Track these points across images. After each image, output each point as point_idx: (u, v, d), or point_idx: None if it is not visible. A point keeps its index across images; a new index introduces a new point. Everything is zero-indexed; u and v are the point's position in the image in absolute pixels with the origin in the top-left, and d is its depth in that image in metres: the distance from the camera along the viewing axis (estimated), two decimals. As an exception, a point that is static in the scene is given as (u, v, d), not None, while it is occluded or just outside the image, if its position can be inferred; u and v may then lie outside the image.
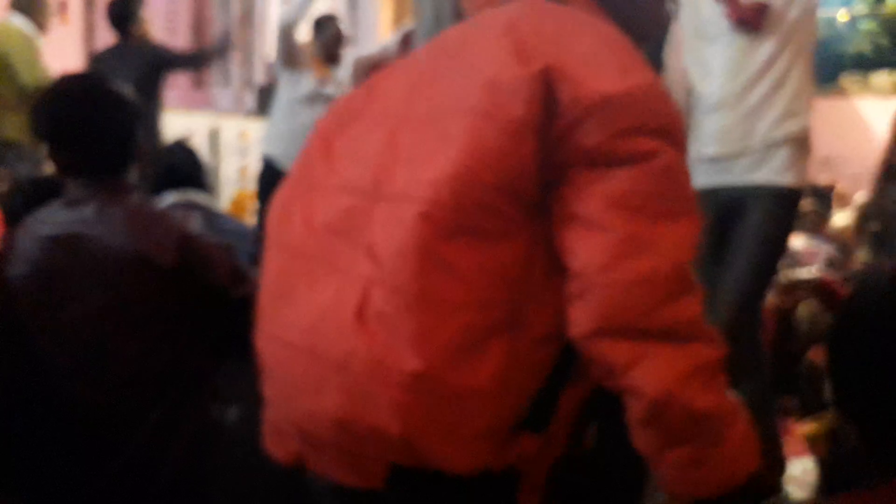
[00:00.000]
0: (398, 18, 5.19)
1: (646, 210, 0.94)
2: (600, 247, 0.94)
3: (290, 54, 3.97)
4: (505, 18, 1.05)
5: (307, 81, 4.00)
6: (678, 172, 0.98)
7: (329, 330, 0.99)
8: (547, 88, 0.95)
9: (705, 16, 2.39)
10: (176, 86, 4.88)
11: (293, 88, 4.01)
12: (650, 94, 0.97)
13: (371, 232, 1.00)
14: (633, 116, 0.95)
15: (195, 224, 1.66)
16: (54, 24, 5.05)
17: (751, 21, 2.29)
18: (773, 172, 2.34)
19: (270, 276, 1.12)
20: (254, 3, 6.90)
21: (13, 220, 1.90)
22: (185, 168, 2.44)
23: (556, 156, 0.96)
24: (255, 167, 5.88)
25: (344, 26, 4.29)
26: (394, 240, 0.97)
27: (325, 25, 4.20)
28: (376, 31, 5.83)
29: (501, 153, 0.95)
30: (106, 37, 6.59)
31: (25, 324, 1.50)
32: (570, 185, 0.97)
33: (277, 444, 1.11)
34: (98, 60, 4.27)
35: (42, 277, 1.48)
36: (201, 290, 1.48)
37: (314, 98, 3.93)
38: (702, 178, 2.21)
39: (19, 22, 4.17)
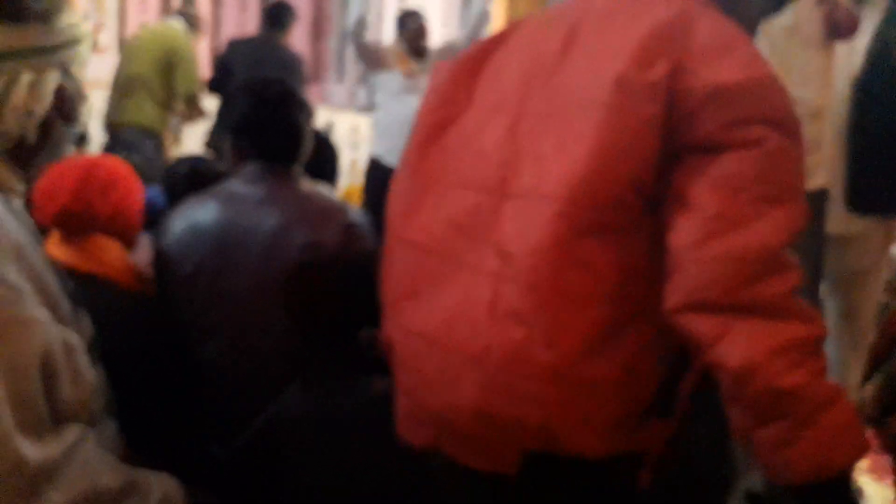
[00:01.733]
0: (510, 14, 5.19)
1: (745, 192, 0.95)
2: (695, 225, 0.95)
3: (368, 59, 4.14)
4: (623, 11, 1.06)
5: (396, 78, 4.07)
6: (785, 160, 0.97)
7: (463, 326, 1.04)
8: (671, 83, 0.96)
9: (801, 18, 2.29)
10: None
11: (385, 88, 4.11)
12: (763, 85, 0.98)
13: (499, 229, 1.03)
14: (743, 106, 0.96)
15: (355, 214, 1.75)
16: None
17: (846, 30, 2.22)
18: None
19: (397, 272, 1.17)
20: (371, 2, 7.04)
21: (174, 198, 2.05)
22: (324, 162, 2.55)
23: (673, 144, 0.98)
24: (364, 161, 6.03)
25: (425, 20, 4.26)
26: (528, 238, 1.00)
27: (407, 21, 4.21)
28: (489, 25, 5.86)
29: (632, 149, 0.97)
30: (231, 27, 6.89)
31: (180, 291, 1.64)
32: (682, 170, 0.98)
33: (412, 430, 1.15)
34: (236, 47, 4.45)
35: (208, 248, 1.63)
36: (355, 276, 1.53)
37: (405, 92, 3.99)
38: None
39: (180, 25, 4.31)
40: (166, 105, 4.15)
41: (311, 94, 6.75)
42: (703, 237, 0.94)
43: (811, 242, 2.21)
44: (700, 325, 0.95)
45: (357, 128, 5.95)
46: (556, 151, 1.00)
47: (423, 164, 1.16)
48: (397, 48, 4.16)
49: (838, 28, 2.25)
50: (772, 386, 0.92)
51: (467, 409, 1.03)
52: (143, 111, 4.05)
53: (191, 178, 2.26)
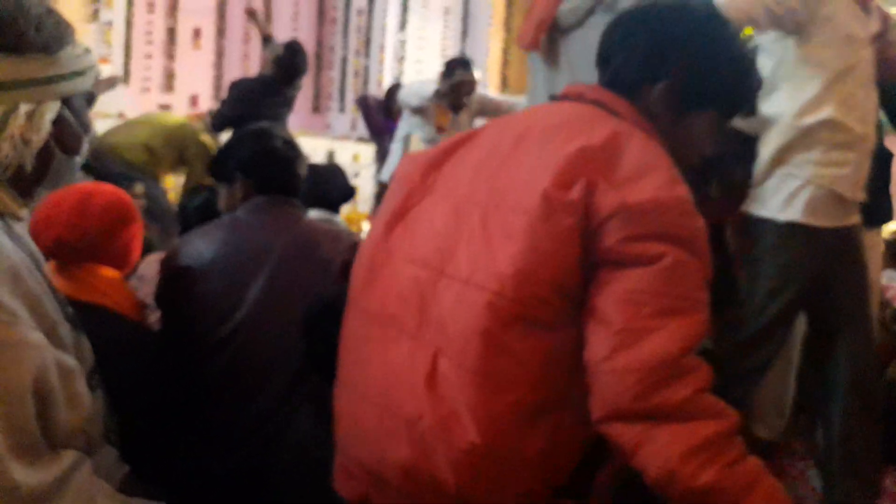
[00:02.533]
0: (507, 47, 5.28)
1: (647, 306, 1.04)
2: (604, 338, 1.05)
3: (415, 112, 4.09)
4: (566, 126, 1.17)
5: (427, 128, 4.09)
6: (684, 274, 1.06)
7: (402, 389, 1.13)
8: (587, 201, 1.07)
9: (859, 59, 2.20)
10: (297, 111, 5.12)
11: (414, 128, 4.13)
12: (666, 205, 1.07)
13: (438, 305, 1.13)
14: (644, 223, 1.05)
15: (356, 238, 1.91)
16: (187, 49, 5.38)
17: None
18: None
19: (349, 334, 1.27)
20: (372, 33, 7.15)
21: (187, 229, 2.16)
22: (335, 191, 2.70)
23: (588, 257, 1.08)
24: (366, 188, 6.11)
25: (474, 73, 4.12)
26: (461, 321, 1.09)
27: (452, 70, 4.07)
28: (486, 60, 5.95)
29: (554, 255, 1.07)
30: (235, 62, 7.00)
31: (189, 310, 1.74)
32: (594, 283, 1.08)
33: (346, 484, 1.24)
34: (244, 88, 4.46)
35: (218, 267, 1.74)
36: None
37: (430, 143, 4.02)
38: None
39: (200, 126, 4.36)
40: (167, 170, 4.22)
41: (313, 123, 6.86)
42: (611, 351, 1.04)
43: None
44: (622, 435, 1.04)
45: (358, 156, 6.03)
46: (490, 246, 1.10)
47: (385, 243, 1.25)
48: (437, 96, 4.04)
49: (889, 67, 2.29)
50: (690, 487, 1.00)
51: (398, 466, 1.12)
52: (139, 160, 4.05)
53: (203, 210, 2.35)
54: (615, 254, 1.06)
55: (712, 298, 1.09)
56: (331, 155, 6.04)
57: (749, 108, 1.31)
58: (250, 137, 2.00)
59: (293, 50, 4.29)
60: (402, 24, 6.95)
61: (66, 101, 1.15)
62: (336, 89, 7.48)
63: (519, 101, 4.30)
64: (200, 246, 1.77)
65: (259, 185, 1.89)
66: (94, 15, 5.78)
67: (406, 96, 4.21)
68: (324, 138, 6.38)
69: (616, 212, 1.05)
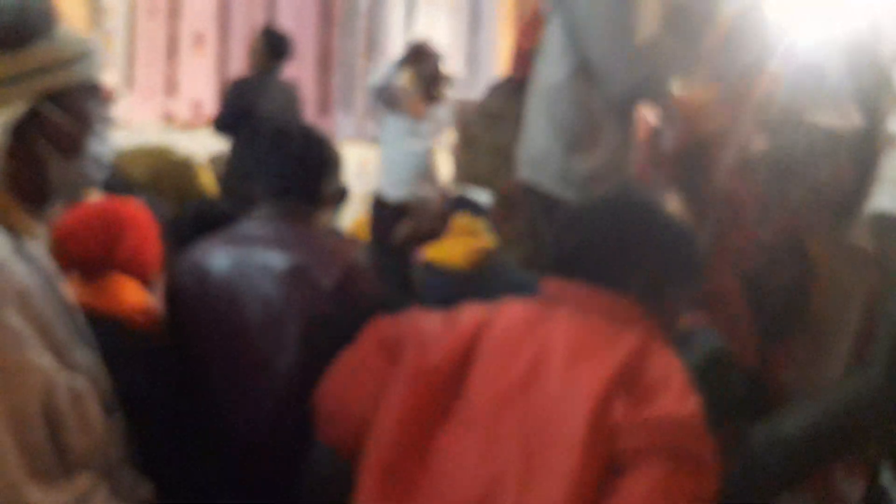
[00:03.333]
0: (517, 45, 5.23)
1: None
2: None
3: (390, 103, 4.07)
4: (587, 347, 1.20)
5: (402, 122, 4.06)
6: (678, 489, 1.11)
7: None
8: (623, 419, 1.13)
9: None
10: (303, 113, 5.10)
11: (389, 127, 4.12)
12: (679, 421, 1.13)
13: None
14: (654, 438, 1.11)
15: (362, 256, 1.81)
16: (190, 54, 5.36)
17: None
18: None
19: None
20: (377, 34, 7.12)
21: (182, 242, 2.06)
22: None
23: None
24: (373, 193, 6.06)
25: (445, 63, 4.20)
26: None
27: (423, 59, 4.11)
28: (497, 56, 5.90)
29: (600, 480, 1.12)
30: (238, 66, 6.96)
31: (189, 329, 1.70)
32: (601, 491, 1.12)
33: None
34: (246, 85, 4.47)
35: (219, 288, 1.67)
36: (350, 318, 1.56)
37: (409, 135, 4.04)
38: None
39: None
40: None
41: (320, 125, 6.81)
42: None
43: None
44: None
45: (366, 160, 5.97)
46: (537, 480, 1.13)
47: (410, 462, 1.21)
48: (411, 90, 4.07)
49: None
50: None
51: None
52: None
53: (197, 222, 2.27)
54: (619, 461, 1.12)
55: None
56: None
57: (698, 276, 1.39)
58: (268, 139, 1.87)
59: (268, 34, 4.52)
60: (408, 25, 6.92)
61: (53, 98, 1.08)
62: (341, 91, 7.46)
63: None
64: (198, 265, 1.72)
65: (264, 190, 1.76)
66: (96, 23, 5.77)
67: (373, 80, 4.25)
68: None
69: (634, 425, 1.12)
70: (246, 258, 1.68)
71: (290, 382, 1.58)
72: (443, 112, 4.15)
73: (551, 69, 2.23)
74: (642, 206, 1.37)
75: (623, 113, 2.27)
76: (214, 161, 4.02)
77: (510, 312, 1.29)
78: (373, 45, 7.20)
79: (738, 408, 1.63)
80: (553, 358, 1.20)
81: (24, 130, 1.06)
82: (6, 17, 1.04)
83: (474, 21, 6.82)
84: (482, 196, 2.91)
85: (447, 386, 1.24)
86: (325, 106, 7.42)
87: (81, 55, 1.11)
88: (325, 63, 7.44)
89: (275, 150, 1.79)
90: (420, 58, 4.12)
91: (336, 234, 2.42)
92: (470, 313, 1.31)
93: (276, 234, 1.70)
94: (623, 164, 2.27)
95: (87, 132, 1.14)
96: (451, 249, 2.52)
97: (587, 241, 1.33)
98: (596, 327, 1.23)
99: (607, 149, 2.27)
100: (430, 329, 1.30)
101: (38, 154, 1.09)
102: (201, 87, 6.11)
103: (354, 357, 1.36)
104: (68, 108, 1.11)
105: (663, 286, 1.30)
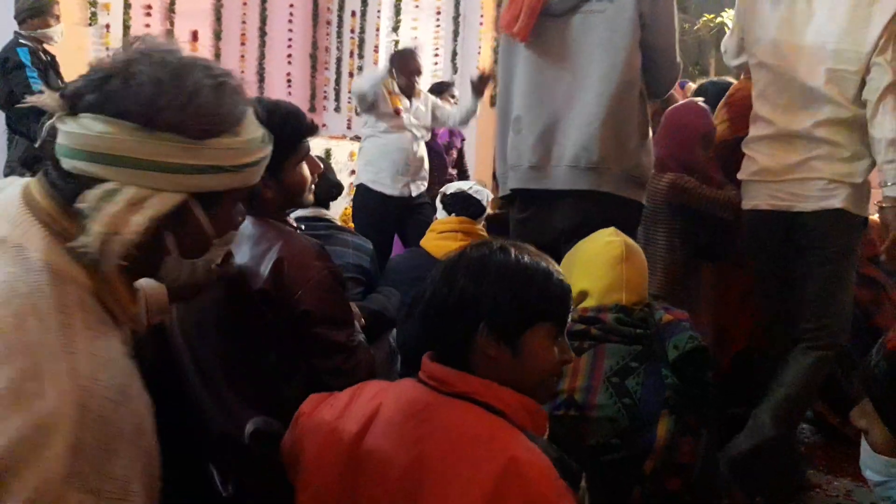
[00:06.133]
0: (499, 47, 5.42)
1: None
2: None
3: (367, 108, 4.20)
4: (467, 450, 1.11)
5: (387, 114, 4.19)
6: None
7: None
8: None
9: None
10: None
11: (374, 125, 4.25)
12: None
13: None
14: None
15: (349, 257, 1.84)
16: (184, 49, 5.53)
17: None
18: None
19: None
20: (365, 34, 7.29)
21: None
22: (326, 188, 2.63)
23: None
24: (361, 186, 6.24)
25: (417, 59, 4.30)
26: None
27: (405, 60, 4.23)
28: (478, 60, 6.07)
29: None
30: (232, 64, 7.12)
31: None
32: None
33: None
34: None
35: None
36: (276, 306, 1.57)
37: (390, 130, 4.18)
38: None
39: None
40: None
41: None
42: None
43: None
44: None
45: (354, 154, 6.16)
46: None
47: None
48: (391, 86, 4.21)
49: None
50: None
51: None
52: None
53: None
54: None
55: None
56: (328, 153, 6.16)
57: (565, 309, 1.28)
58: None
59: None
60: (396, 26, 7.07)
61: (204, 196, 0.97)
62: (331, 89, 7.62)
63: (454, 112, 4.51)
64: None
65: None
66: (93, 18, 5.88)
67: (358, 84, 4.28)
68: (320, 137, 6.50)
69: None
70: (249, 257, 1.64)
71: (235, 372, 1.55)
72: (421, 107, 4.27)
73: (606, 66, 2.23)
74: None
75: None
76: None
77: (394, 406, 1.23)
78: (361, 44, 7.36)
79: (711, 394, 1.72)
80: (434, 456, 1.12)
81: (163, 220, 0.93)
82: (204, 103, 0.94)
83: (458, 22, 6.98)
84: (482, 194, 2.95)
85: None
86: (314, 104, 7.60)
87: (253, 162, 1.00)
88: (314, 62, 7.60)
89: None
90: (401, 58, 4.24)
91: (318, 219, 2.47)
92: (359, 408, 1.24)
93: (264, 236, 1.66)
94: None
95: (217, 237, 1.03)
96: (445, 247, 2.50)
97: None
98: (477, 431, 1.15)
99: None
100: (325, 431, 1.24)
101: (161, 245, 0.97)
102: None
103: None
104: (213, 211, 1.00)
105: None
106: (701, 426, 1.68)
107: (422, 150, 4.33)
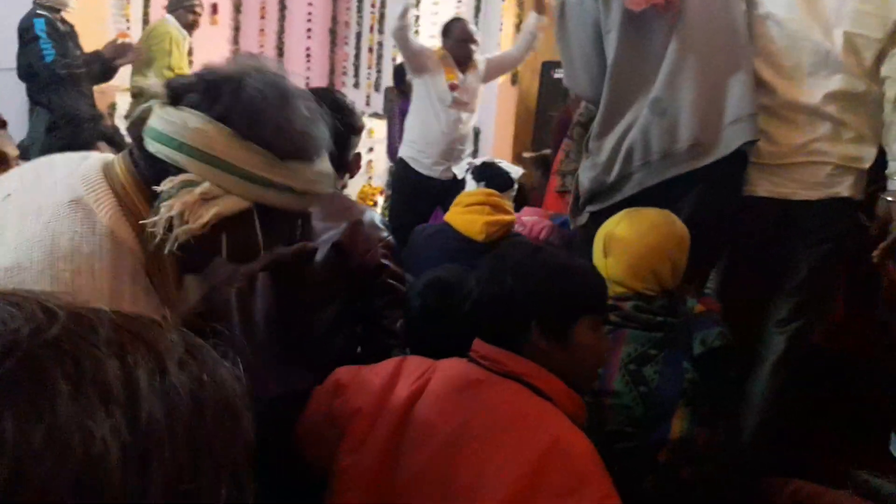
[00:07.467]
0: (521, 22, 5.35)
1: None
2: None
3: (411, 61, 3.95)
4: (508, 429, 1.19)
5: (438, 86, 3.95)
6: None
7: None
8: None
9: None
10: (312, 85, 5.19)
11: (426, 94, 3.99)
12: None
13: None
14: None
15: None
16: (205, 24, 5.52)
17: None
18: None
19: None
20: (386, 9, 7.22)
21: None
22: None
23: None
24: (379, 163, 6.21)
25: (472, 27, 4.04)
26: None
27: (450, 29, 4.01)
28: (500, 37, 6.02)
29: None
30: (251, 36, 7.09)
31: None
32: None
33: None
34: None
35: None
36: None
37: (447, 104, 3.93)
38: None
39: (172, 22, 5.05)
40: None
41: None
42: None
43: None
44: None
45: (372, 131, 6.13)
46: None
47: None
48: (443, 56, 3.94)
49: None
50: None
51: None
52: None
53: None
54: None
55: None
56: (345, 129, 6.14)
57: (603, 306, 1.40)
58: None
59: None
60: (416, 1, 7.00)
61: (264, 211, 1.04)
62: (350, 65, 7.58)
63: (510, 50, 4.36)
64: None
65: None
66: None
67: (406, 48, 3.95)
68: (339, 113, 6.47)
69: None
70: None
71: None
72: (473, 79, 4.00)
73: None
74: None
75: None
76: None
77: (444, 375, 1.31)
78: (381, 19, 7.30)
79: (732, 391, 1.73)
80: (473, 430, 1.19)
81: (226, 221, 1.01)
82: (297, 130, 1.02)
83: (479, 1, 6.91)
84: (512, 169, 2.90)
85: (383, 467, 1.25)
86: (333, 79, 7.56)
87: (317, 191, 1.08)
88: (334, 37, 7.56)
89: None
90: (448, 28, 4.04)
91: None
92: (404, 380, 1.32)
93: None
94: None
95: (263, 251, 1.09)
96: (472, 220, 2.48)
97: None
98: (521, 408, 1.22)
99: None
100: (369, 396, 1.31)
101: (216, 245, 1.04)
102: (215, 57, 6.22)
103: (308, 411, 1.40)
104: (267, 225, 1.06)
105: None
106: (718, 418, 1.66)
107: (467, 129, 4.09)
